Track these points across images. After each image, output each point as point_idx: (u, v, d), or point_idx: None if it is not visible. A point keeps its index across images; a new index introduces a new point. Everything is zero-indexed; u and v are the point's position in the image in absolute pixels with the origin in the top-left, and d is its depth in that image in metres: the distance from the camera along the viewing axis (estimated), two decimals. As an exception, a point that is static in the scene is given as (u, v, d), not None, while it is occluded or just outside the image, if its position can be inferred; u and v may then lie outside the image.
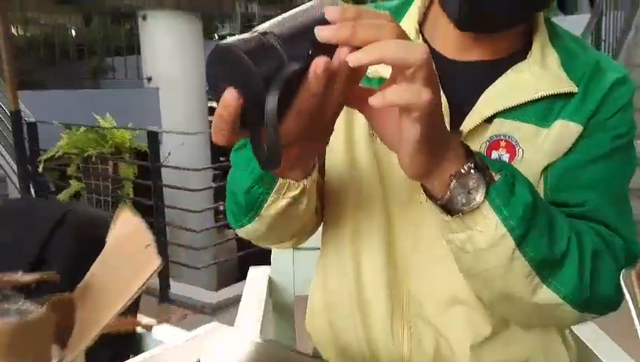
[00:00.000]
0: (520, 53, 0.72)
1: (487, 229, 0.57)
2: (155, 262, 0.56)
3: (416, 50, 0.46)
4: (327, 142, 0.59)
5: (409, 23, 0.75)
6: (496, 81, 0.70)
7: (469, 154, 0.56)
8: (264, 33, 0.46)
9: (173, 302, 3.33)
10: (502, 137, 0.69)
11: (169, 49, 6.28)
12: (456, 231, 0.58)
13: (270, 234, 0.72)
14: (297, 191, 0.62)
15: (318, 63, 0.45)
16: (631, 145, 0.72)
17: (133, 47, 6.97)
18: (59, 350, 0.55)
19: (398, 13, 0.78)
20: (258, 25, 0.49)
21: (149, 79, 6.37)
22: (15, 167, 3.51)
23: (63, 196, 3.76)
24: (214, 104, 0.48)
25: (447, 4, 0.68)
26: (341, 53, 0.46)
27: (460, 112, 0.70)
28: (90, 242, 0.71)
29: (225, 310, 3.21)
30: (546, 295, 0.61)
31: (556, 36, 0.74)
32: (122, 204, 0.79)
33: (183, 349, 0.75)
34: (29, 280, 0.63)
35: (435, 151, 0.53)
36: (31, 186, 3.57)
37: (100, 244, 0.64)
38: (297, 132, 0.50)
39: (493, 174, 0.57)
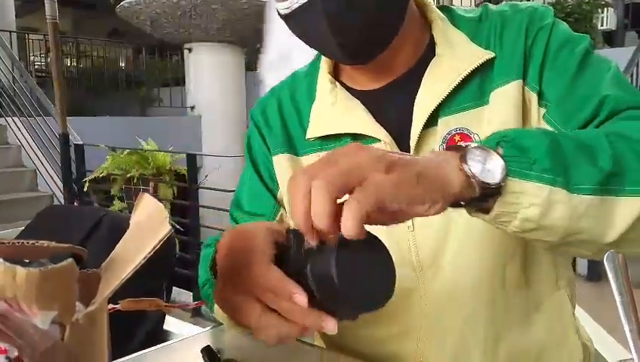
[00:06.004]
0: (429, 53, 0.72)
1: (532, 198, 0.48)
2: (166, 228, 0.62)
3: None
4: None
5: (323, 75, 0.77)
6: (420, 86, 0.70)
7: (458, 149, 0.49)
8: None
9: (205, 318, 3.39)
10: (453, 132, 0.68)
11: (212, 79, 6.51)
12: (508, 220, 0.50)
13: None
14: None
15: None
16: (591, 53, 0.67)
17: (178, 79, 7.25)
18: (84, 307, 0.61)
19: (312, 71, 0.80)
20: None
21: (192, 108, 6.62)
22: (62, 186, 3.70)
23: (106, 215, 3.92)
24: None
25: (327, 54, 0.72)
26: None
27: (402, 133, 0.70)
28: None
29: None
30: (626, 208, 0.50)
31: (456, 18, 0.73)
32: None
33: (195, 340, 0.79)
34: (58, 248, 0.70)
35: (434, 181, 0.45)
36: (75, 204, 3.74)
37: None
38: None
39: (495, 149, 0.49)
